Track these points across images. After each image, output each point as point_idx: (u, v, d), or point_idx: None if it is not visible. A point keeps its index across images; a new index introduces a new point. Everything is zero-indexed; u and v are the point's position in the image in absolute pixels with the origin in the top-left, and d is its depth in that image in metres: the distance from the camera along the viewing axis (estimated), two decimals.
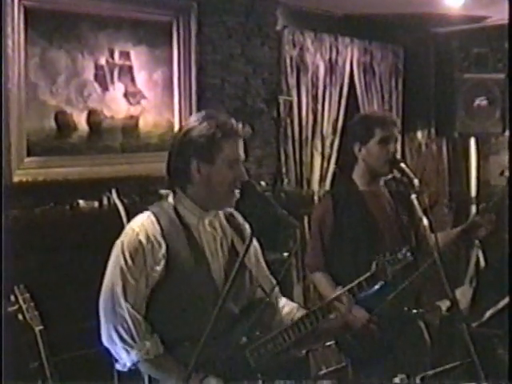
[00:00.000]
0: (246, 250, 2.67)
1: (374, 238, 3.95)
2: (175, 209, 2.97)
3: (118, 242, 2.92)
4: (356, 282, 3.29)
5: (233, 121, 2.94)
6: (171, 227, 2.91)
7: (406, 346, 3.95)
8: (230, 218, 3.11)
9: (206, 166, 2.89)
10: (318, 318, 3.11)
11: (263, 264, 3.25)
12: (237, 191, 2.91)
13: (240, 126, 2.96)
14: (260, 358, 2.93)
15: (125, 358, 2.83)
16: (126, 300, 2.81)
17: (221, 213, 3.08)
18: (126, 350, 2.81)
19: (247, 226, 3.08)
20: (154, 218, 2.92)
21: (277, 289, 3.18)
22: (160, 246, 2.86)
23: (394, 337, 3.89)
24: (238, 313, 2.95)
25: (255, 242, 3.17)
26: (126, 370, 2.86)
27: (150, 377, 2.94)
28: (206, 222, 2.99)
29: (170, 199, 3.02)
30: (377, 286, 3.33)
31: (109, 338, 2.85)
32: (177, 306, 2.88)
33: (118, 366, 2.89)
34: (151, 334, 2.84)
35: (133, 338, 2.81)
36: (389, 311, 3.78)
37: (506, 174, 5.76)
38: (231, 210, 3.11)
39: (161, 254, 2.85)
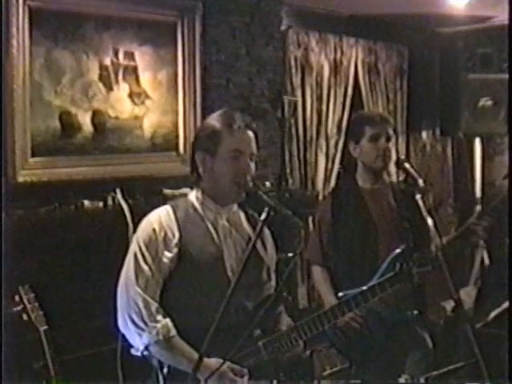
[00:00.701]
0: (258, 236, 2.77)
1: (368, 235, 4.03)
2: (193, 204, 3.05)
3: (135, 234, 3.02)
4: (377, 281, 3.33)
5: (237, 114, 3.03)
6: (187, 220, 3.00)
7: (404, 347, 3.99)
8: (251, 219, 3.17)
9: (209, 157, 2.98)
10: (337, 315, 3.19)
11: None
12: (244, 185, 2.96)
13: (246, 119, 3.03)
14: (273, 352, 3.00)
15: (138, 342, 2.89)
16: (137, 285, 2.89)
17: (242, 213, 3.16)
18: (139, 334, 2.87)
19: (266, 230, 3.16)
20: (170, 210, 3.02)
21: None
22: (174, 235, 2.95)
23: (389, 337, 3.94)
24: (252, 308, 3.00)
25: (273, 245, 3.26)
26: (140, 354, 2.91)
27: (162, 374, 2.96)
28: (224, 217, 3.07)
29: (190, 195, 3.10)
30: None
31: (123, 323, 2.93)
32: (189, 295, 2.95)
33: (133, 351, 2.94)
34: (163, 317, 2.90)
35: (144, 321, 2.87)
36: (384, 311, 3.86)
37: None
38: (253, 212, 3.16)
39: (174, 243, 2.94)
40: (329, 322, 3.17)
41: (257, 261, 3.02)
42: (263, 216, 2.78)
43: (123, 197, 4.59)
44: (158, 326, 2.86)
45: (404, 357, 3.95)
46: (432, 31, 7.43)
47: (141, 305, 2.87)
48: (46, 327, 3.23)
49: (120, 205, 4.55)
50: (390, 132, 4.09)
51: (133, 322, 2.88)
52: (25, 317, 3.25)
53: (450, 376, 2.89)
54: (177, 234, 2.95)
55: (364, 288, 3.33)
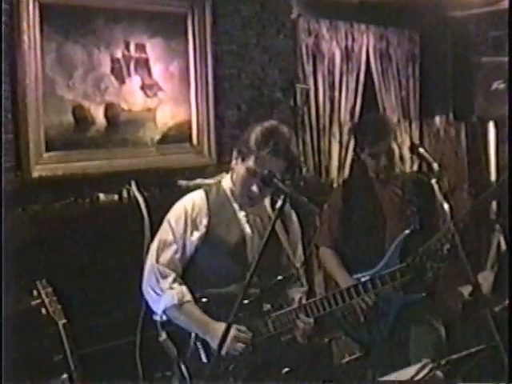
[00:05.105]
0: (275, 220, 2.87)
1: (376, 221, 4.22)
2: (225, 191, 3.33)
3: (168, 214, 3.35)
4: (389, 270, 3.41)
5: (282, 142, 3.19)
6: (217, 204, 3.29)
7: (412, 330, 4.12)
8: (274, 203, 3.32)
9: (240, 161, 3.24)
10: (345, 299, 3.28)
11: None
12: (256, 188, 3.20)
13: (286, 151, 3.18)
14: (280, 326, 3.21)
15: (157, 307, 3.21)
16: (157, 260, 3.24)
17: (266, 199, 3.37)
18: (157, 300, 3.20)
19: (292, 213, 3.42)
20: (203, 194, 3.32)
21: None
22: (204, 216, 3.27)
23: (397, 320, 4.05)
24: (267, 288, 3.24)
25: (298, 227, 3.51)
26: (160, 319, 3.23)
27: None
28: (250, 208, 3.32)
29: (224, 181, 3.38)
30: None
31: (146, 290, 3.28)
32: (211, 272, 3.26)
33: (155, 317, 3.26)
34: (179, 285, 3.21)
35: (161, 289, 3.19)
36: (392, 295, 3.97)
37: None
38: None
39: (203, 224, 3.25)
40: (336, 304, 3.29)
41: (276, 247, 3.22)
42: (279, 203, 2.85)
43: (138, 189, 4.60)
44: (174, 292, 3.16)
45: (413, 340, 4.04)
46: (443, 15, 7.37)
47: (159, 276, 3.20)
48: (64, 321, 3.23)
49: (135, 197, 4.55)
50: (393, 146, 4.22)
51: (153, 289, 3.22)
52: (43, 311, 3.26)
53: (470, 359, 2.88)
54: (206, 217, 3.25)
55: (376, 275, 3.44)
